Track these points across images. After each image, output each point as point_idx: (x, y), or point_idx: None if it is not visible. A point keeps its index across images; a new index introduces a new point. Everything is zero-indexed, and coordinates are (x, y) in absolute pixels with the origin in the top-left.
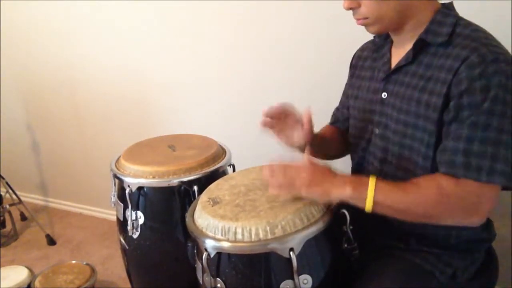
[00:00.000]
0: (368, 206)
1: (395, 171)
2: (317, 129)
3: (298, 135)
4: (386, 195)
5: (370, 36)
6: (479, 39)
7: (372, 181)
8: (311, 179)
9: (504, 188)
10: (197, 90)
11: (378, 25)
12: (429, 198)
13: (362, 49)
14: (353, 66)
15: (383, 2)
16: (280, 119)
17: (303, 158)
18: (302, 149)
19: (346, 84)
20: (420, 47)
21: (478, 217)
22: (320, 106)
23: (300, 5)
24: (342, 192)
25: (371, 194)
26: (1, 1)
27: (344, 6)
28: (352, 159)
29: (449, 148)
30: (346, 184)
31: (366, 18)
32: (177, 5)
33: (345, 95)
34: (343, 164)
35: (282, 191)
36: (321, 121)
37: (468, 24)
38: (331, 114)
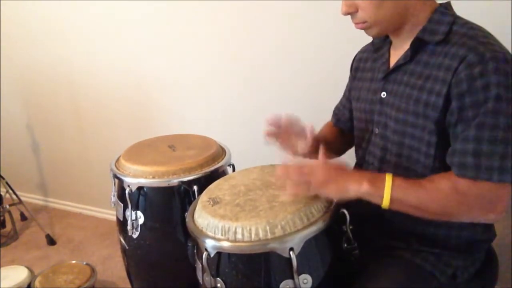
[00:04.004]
0: (385, 203)
1: (394, 170)
2: (320, 126)
3: (301, 145)
4: (403, 192)
5: (369, 37)
6: (477, 38)
7: (389, 177)
8: (326, 177)
9: None
10: (197, 90)
11: (377, 28)
12: (446, 196)
13: (362, 51)
14: (354, 69)
15: (380, 5)
16: (285, 130)
17: (319, 156)
18: (305, 156)
19: (347, 86)
20: (418, 46)
21: (496, 214)
22: (319, 106)
23: (299, 5)
24: (359, 188)
25: (388, 191)
26: (1, 1)
27: (342, 11)
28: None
29: (458, 150)
30: (363, 180)
31: (365, 22)
32: (177, 6)
33: (345, 96)
34: None
35: (299, 190)
36: (321, 121)
37: (466, 22)
38: (329, 114)
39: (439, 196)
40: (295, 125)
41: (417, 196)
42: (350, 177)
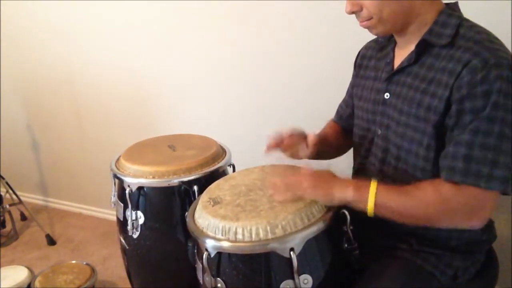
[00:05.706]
0: (370, 209)
1: (394, 173)
2: (319, 126)
3: (303, 151)
4: (387, 198)
5: (371, 36)
6: (483, 42)
7: (373, 184)
8: (313, 184)
9: (503, 193)
10: (197, 90)
11: (382, 27)
12: (429, 202)
13: (366, 47)
14: (357, 66)
15: (384, 4)
16: (287, 141)
17: (301, 169)
18: (308, 158)
19: (350, 83)
20: (423, 48)
21: (478, 221)
22: (319, 106)
23: (300, 5)
24: (344, 195)
25: (372, 197)
26: (1, 1)
27: (346, 10)
28: (355, 159)
29: (450, 153)
30: (348, 187)
31: (370, 18)
32: (177, 6)
33: (349, 93)
34: (344, 164)
35: (288, 199)
36: (320, 120)
37: (472, 25)
38: (329, 113)
39: (423, 202)
40: (297, 134)
41: (401, 202)
42: (336, 183)
